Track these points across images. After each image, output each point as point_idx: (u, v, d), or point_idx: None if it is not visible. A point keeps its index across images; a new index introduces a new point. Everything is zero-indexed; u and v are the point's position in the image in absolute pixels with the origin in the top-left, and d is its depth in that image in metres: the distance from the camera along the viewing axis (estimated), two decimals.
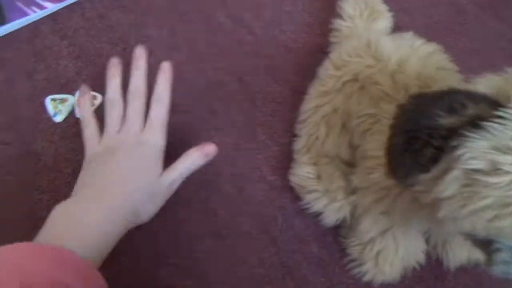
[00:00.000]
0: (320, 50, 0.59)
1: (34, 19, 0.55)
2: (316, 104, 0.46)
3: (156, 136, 0.43)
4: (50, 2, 0.55)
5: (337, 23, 0.54)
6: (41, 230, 0.37)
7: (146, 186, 0.41)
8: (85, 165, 0.42)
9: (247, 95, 0.54)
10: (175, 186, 0.43)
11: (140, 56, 0.46)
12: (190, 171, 0.43)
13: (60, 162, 0.48)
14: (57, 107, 0.49)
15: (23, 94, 0.51)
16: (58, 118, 0.49)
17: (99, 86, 0.50)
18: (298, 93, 0.55)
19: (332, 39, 0.54)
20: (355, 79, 0.43)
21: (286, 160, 0.51)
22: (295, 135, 0.51)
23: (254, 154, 0.51)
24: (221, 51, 0.57)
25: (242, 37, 0.58)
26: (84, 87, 0.47)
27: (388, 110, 0.39)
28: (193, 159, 0.43)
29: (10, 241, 0.44)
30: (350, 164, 0.45)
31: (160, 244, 0.45)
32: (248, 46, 0.58)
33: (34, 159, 0.48)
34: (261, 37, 0.59)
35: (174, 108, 0.52)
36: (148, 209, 0.42)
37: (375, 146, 0.40)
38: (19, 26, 0.54)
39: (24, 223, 0.45)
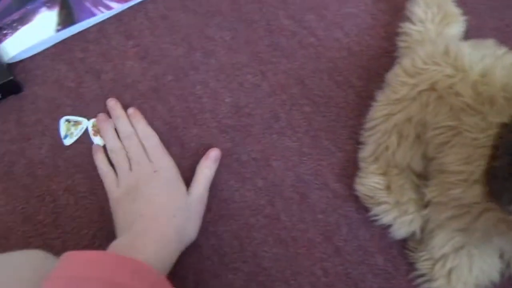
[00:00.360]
0: (384, 54, 0.57)
1: (101, 19, 0.56)
2: (388, 112, 0.45)
3: (163, 160, 0.46)
4: (116, 2, 0.56)
5: (406, 26, 0.52)
6: None
7: (180, 206, 0.43)
8: (114, 208, 0.44)
9: (310, 100, 0.53)
10: (205, 199, 0.45)
11: (115, 107, 0.50)
12: (210, 180, 0.46)
13: None
14: (69, 129, 0.49)
15: (91, 94, 0.52)
16: (68, 141, 0.49)
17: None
18: (362, 98, 0.54)
19: (400, 44, 0.52)
20: (432, 88, 0.42)
21: (350, 168, 0.50)
22: (360, 142, 0.50)
23: (317, 160, 0.50)
24: (283, 54, 0.56)
25: (304, 39, 0.57)
26: (95, 147, 0.49)
27: (470, 123, 0.38)
28: (206, 167, 0.47)
29: (82, 238, 0.46)
30: (421, 176, 0.44)
31: (224, 248, 0.46)
32: (310, 49, 0.57)
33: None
34: (323, 39, 0.57)
35: (237, 111, 0.52)
36: (190, 227, 0.43)
37: (455, 160, 0.38)
38: (86, 26, 0.56)
39: (95, 221, 0.46)
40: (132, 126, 0.48)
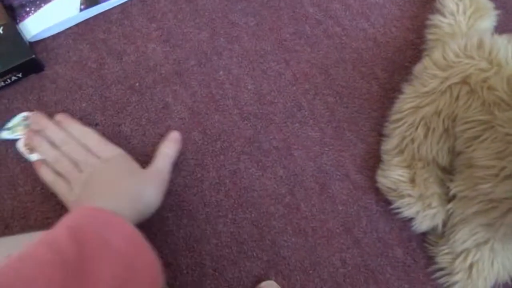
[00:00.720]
0: (410, 46, 0.56)
1: (125, 0, 0.55)
2: (415, 104, 0.44)
3: (107, 151, 0.45)
4: None
5: (436, 19, 0.51)
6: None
7: (134, 180, 0.43)
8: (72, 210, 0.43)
9: (333, 90, 0.53)
10: (164, 174, 0.45)
11: (37, 120, 0.47)
12: (169, 158, 0.46)
13: (148, 146, 0.49)
14: (19, 125, 0.47)
15: (113, 75, 0.52)
16: (3, 134, 0.47)
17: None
18: (386, 90, 0.53)
19: (429, 36, 0.51)
20: (464, 82, 0.41)
21: (372, 160, 0.49)
22: (383, 135, 0.50)
23: (339, 151, 0.49)
24: (307, 42, 0.55)
25: (329, 28, 0.56)
26: (36, 163, 0.46)
27: (504, 118, 0.37)
28: (165, 147, 0.47)
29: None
30: (446, 170, 0.43)
31: (243, 236, 0.45)
32: (335, 38, 0.56)
33: (123, 141, 0.49)
34: (348, 29, 0.56)
35: (259, 99, 0.52)
36: (149, 195, 0.43)
37: (485, 154, 0.37)
38: (110, 7, 0.55)
39: None
40: (66, 130, 0.46)
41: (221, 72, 0.52)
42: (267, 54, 0.54)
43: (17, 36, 0.48)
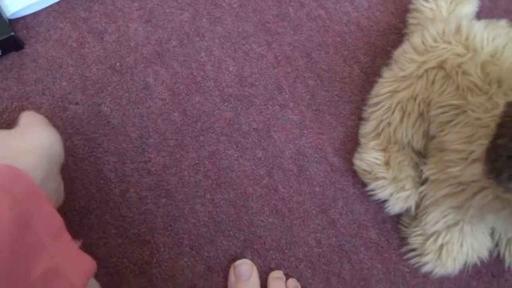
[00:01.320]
0: (393, 31, 0.56)
1: None
2: (393, 88, 0.44)
3: None
4: None
5: (418, 3, 0.51)
6: None
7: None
8: None
9: (314, 73, 0.53)
10: (34, 133, 0.39)
11: None
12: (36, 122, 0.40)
13: (128, 126, 0.49)
14: None
15: (93, 55, 0.51)
16: None
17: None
18: (367, 74, 0.54)
19: (410, 20, 0.52)
20: (440, 67, 0.41)
21: (350, 143, 0.50)
22: (362, 118, 0.50)
23: (318, 134, 0.50)
24: (290, 25, 0.55)
25: (313, 11, 0.56)
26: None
27: (476, 103, 0.38)
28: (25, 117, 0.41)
29: (79, 200, 0.46)
30: (420, 154, 0.44)
31: (221, 215, 0.46)
32: (318, 21, 0.56)
33: (103, 121, 0.49)
34: (332, 12, 0.56)
35: (240, 81, 0.52)
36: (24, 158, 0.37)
37: (456, 138, 0.38)
38: None
39: (92, 183, 0.46)
40: None
41: (202, 54, 0.52)
42: (249, 36, 0.54)
43: None
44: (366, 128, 0.47)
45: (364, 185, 0.46)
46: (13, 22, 0.51)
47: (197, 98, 0.50)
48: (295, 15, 0.56)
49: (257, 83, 0.52)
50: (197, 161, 0.48)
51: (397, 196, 0.42)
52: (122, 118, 0.49)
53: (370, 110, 0.47)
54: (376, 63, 0.54)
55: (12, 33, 0.47)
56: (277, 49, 0.54)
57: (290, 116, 0.50)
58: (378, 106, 0.46)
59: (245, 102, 0.51)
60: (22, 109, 0.47)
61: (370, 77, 0.53)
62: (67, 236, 0.32)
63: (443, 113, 0.40)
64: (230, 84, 0.51)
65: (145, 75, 0.50)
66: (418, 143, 0.43)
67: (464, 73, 0.39)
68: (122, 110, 0.50)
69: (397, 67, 0.46)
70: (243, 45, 0.53)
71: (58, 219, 0.33)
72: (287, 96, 0.51)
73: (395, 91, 0.44)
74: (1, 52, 0.48)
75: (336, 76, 0.53)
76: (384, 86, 0.46)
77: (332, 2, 0.57)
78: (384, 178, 0.43)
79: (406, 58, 0.44)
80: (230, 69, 0.52)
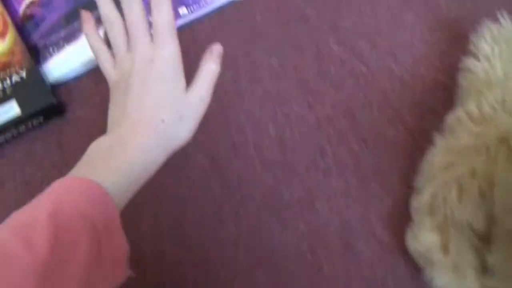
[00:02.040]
0: (440, 88, 0.53)
1: None
2: (448, 161, 0.41)
3: (166, 45, 0.37)
4: None
5: (470, 62, 0.48)
6: (76, 165, 0.36)
7: (174, 109, 0.38)
8: (110, 96, 0.40)
9: (358, 135, 0.50)
10: (206, 100, 0.39)
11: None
12: (215, 78, 0.40)
13: (165, 199, 0.48)
14: None
15: None
16: None
17: None
18: (415, 137, 0.51)
19: (461, 81, 0.48)
20: (502, 141, 0.38)
21: (400, 216, 0.46)
22: (412, 187, 0.47)
23: (365, 205, 0.47)
24: (331, 83, 0.53)
25: (354, 68, 0.54)
26: (85, 14, 0.41)
27: None
28: (213, 61, 0.40)
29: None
30: (483, 238, 0.40)
31: None
32: (360, 78, 0.53)
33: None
34: (374, 69, 0.54)
35: (281, 145, 0.49)
36: (181, 132, 0.38)
37: None
38: None
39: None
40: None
41: (242, 116, 0.51)
42: (290, 96, 0.52)
43: (40, 80, 0.47)
44: (419, 202, 0.43)
45: (417, 266, 0.43)
46: (55, 87, 0.51)
47: (236, 165, 0.48)
48: (336, 73, 0.53)
49: (298, 148, 0.49)
50: (236, 236, 0.45)
51: (457, 286, 0.39)
52: (158, 189, 0.48)
53: (422, 181, 0.44)
54: (423, 123, 0.51)
55: (55, 101, 0.46)
56: (318, 109, 0.52)
57: (334, 184, 0.48)
58: (432, 179, 0.43)
59: (286, 169, 0.48)
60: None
61: (418, 139, 0.50)
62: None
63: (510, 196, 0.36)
64: (270, 149, 0.49)
65: None
66: (480, 226, 0.39)
67: None
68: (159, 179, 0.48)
69: (452, 136, 0.43)
70: (284, 106, 0.51)
71: (124, 251, 0.33)
72: (330, 161, 0.49)
73: (450, 165, 0.41)
74: (43, 119, 0.48)
75: (381, 139, 0.50)
76: (437, 157, 0.43)
77: (374, 59, 0.54)
78: (442, 264, 0.39)
79: (462, 128, 0.41)
80: (270, 132, 0.50)
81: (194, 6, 0.55)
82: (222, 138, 0.50)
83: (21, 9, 0.54)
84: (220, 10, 0.57)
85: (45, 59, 0.52)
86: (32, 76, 0.47)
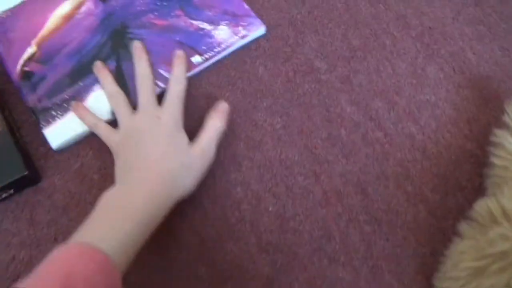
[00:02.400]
0: (468, 159, 0.46)
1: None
2: (478, 267, 0.35)
3: (170, 108, 0.44)
4: (161, 82, 0.49)
5: (504, 137, 0.41)
6: (87, 218, 0.37)
7: (179, 159, 0.41)
8: (116, 153, 0.43)
9: (371, 215, 0.44)
10: (211, 153, 0.43)
11: (139, 48, 0.48)
12: (219, 133, 0.44)
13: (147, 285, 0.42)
14: None
15: None
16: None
17: None
18: (437, 218, 0.44)
19: (495, 160, 0.41)
20: None
21: None
22: (432, 284, 0.40)
23: None
24: (341, 151, 0.47)
25: (369, 132, 0.47)
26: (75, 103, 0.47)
27: None
28: (217, 118, 0.44)
29: None
30: None
31: None
32: (375, 146, 0.47)
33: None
34: (392, 135, 0.47)
35: (282, 225, 0.43)
36: (187, 181, 0.41)
37: None
38: None
39: None
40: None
41: (238, 189, 0.45)
42: (293, 165, 0.46)
43: (11, 148, 0.42)
44: None
45: None
46: (33, 151, 0.46)
47: (229, 247, 0.42)
48: (348, 139, 0.47)
49: (301, 228, 0.43)
50: None
51: None
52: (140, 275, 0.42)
53: (445, 281, 0.38)
54: (447, 203, 0.44)
55: (26, 172, 0.41)
56: (326, 182, 0.45)
57: (340, 275, 0.41)
58: (457, 282, 0.36)
59: (286, 253, 0.42)
60: (30, 259, 0.41)
61: (441, 221, 0.44)
62: None
63: None
64: (269, 228, 0.43)
65: (169, 215, 0.43)
66: None
67: None
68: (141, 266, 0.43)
69: (482, 232, 0.36)
70: (286, 176, 0.45)
71: None
72: (337, 246, 0.42)
73: (481, 271, 0.34)
74: (14, 191, 0.43)
75: (397, 220, 0.44)
76: (465, 258, 0.36)
77: (393, 122, 0.48)
78: None
79: (495, 227, 0.35)
80: (270, 208, 0.44)
81: (208, 53, 0.50)
82: (214, 214, 0.44)
83: (19, 66, 0.49)
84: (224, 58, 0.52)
85: (47, 123, 0.46)
86: (1, 143, 0.42)
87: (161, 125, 0.42)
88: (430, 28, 0.54)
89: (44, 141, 0.46)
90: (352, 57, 0.51)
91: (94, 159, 0.46)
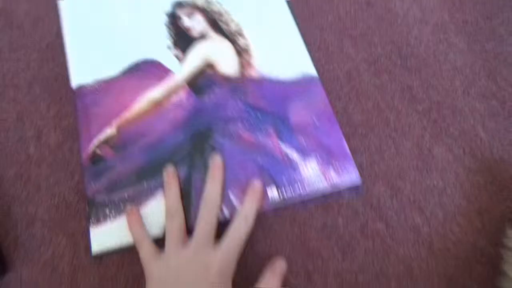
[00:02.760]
0: (479, 259, 0.42)
1: None
2: None
3: (225, 254, 0.37)
4: None
5: None
6: None
7: None
8: (147, 280, 0.37)
9: None
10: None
11: (217, 167, 0.43)
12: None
13: None
14: None
15: (86, 283, 0.42)
16: None
17: None
18: None
19: (505, 268, 0.37)
20: None
21: None
22: None
23: None
24: (337, 245, 0.42)
25: (369, 223, 0.43)
26: (131, 209, 0.41)
27: None
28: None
29: None
30: None
31: None
32: (375, 240, 0.42)
33: None
34: (395, 227, 0.43)
35: None
36: None
37: None
38: None
39: None
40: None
41: None
42: (286, 259, 0.42)
43: None
44: None
45: None
46: (5, 239, 0.42)
47: None
48: (344, 231, 0.43)
49: None
50: None
51: None
52: None
53: None
54: None
55: None
56: (319, 282, 0.41)
57: None
58: None
59: None
60: None
61: None
62: None
63: None
64: None
65: None
66: None
67: None
68: None
69: None
70: None
71: None
72: None
73: None
74: None
75: None
76: None
77: (395, 212, 0.44)
78: None
79: None
80: None
81: (287, 191, 0.42)
82: None
83: (92, 145, 0.43)
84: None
85: (97, 221, 0.40)
86: None
87: (207, 280, 0.36)
88: (438, 102, 0.49)
89: (15, 226, 0.43)
90: (353, 136, 0.48)
91: (67, 247, 0.42)
